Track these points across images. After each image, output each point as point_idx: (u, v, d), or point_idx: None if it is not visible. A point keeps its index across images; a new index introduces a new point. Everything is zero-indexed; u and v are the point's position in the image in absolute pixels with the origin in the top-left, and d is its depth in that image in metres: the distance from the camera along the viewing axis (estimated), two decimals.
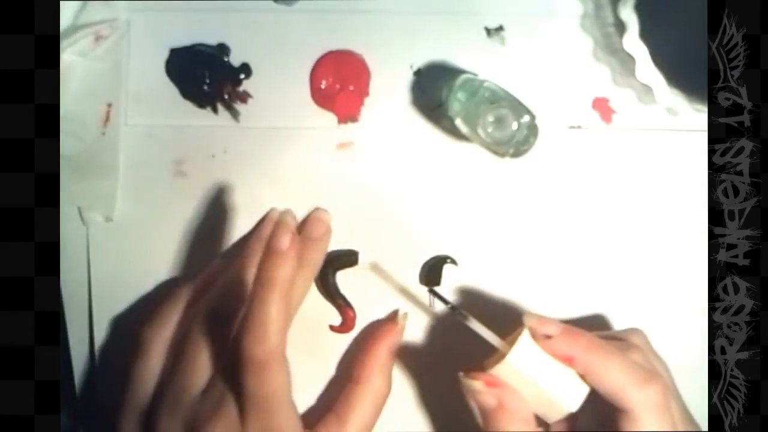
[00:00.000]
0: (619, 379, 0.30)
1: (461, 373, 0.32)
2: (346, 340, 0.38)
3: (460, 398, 0.32)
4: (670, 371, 0.34)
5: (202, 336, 0.33)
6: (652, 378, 0.30)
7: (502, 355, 0.31)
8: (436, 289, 0.38)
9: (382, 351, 0.36)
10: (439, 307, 0.37)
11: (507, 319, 0.33)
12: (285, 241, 0.31)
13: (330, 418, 0.34)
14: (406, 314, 0.38)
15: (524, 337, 0.31)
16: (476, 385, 0.31)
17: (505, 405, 0.31)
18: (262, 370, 0.30)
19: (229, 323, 0.33)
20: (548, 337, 0.31)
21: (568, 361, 0.31)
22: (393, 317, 0.38)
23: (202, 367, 0.33)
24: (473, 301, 0.38)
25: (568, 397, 0.31)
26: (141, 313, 0.38)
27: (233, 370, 0.31)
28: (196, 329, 0.34)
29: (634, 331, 0.35)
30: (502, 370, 0.31)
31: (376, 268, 0.38)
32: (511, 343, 0.31)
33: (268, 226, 0.37)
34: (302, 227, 0.37)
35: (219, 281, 0.36)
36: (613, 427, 0.30)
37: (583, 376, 0.31)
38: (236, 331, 0.31)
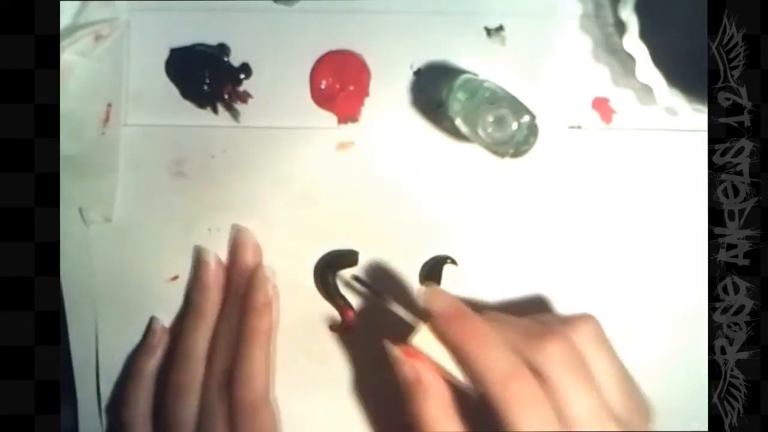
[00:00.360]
0: (483, 370, 0.29)
1: (386, 340, 0.32)
2: (346, 340, 0.38)
3: None
4: (616, 362, 0.31)
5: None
6: (518, 372, 0.29)
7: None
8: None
9: None
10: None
11: None
12: (263, 296, 0.36)
13: None
14: None
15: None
16: (397, 352, 0.32)
17: (422, 379, 0.31)
18: (255, 413, 0.34)
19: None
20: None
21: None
22: None
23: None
24: (473, 301, 0.38)
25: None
26: (116, 394, 0.39)
27: (225, 416, 0.34)
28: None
29: (577, 319, 0.32)
30: (416, 342, 0.31)
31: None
32: None
33: (208, 274, 0.38)
34: (231, 253, 0.38)
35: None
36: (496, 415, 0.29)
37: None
38: (227, 380, 0.35)
